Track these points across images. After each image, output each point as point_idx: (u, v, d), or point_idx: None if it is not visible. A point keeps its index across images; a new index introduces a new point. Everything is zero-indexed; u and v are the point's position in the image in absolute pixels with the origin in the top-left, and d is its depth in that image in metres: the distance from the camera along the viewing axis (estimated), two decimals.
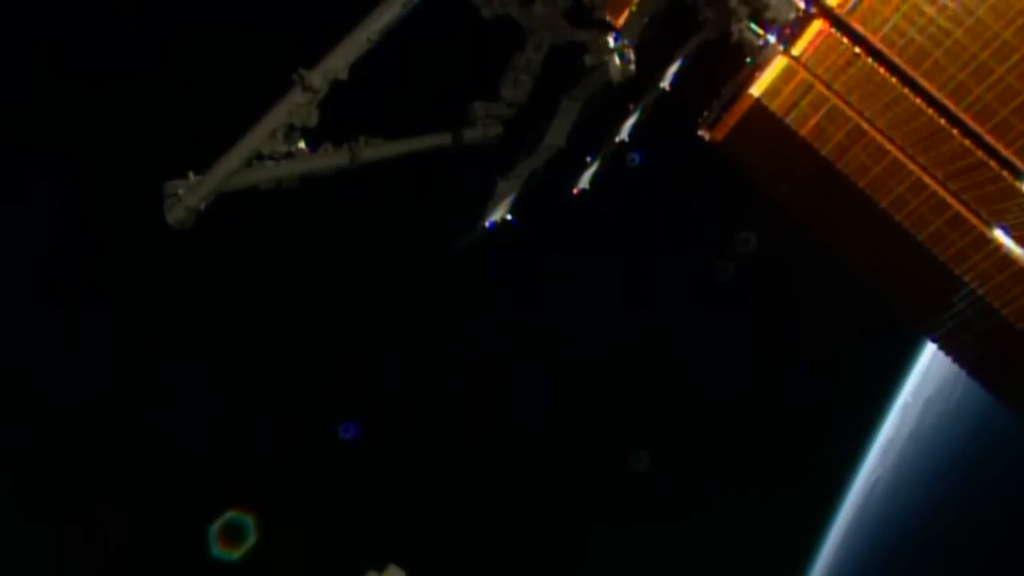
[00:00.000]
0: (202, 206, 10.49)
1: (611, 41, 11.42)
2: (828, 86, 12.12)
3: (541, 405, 30.02)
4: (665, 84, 12.28)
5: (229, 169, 10.49)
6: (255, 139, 10.50)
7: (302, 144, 10.72)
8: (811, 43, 12.12)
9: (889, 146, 11.79)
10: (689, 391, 30.63)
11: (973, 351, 12.17)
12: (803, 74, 12.29)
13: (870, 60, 11.55)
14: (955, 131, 11.12)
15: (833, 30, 11.78)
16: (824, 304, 27.57)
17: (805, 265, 23.16)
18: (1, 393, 22.96)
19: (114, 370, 24.61)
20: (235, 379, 26.10)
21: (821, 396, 31.19)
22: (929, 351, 34.89)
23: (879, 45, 11.43)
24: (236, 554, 25.37)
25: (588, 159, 12.60)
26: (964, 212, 11.50)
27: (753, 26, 11.96)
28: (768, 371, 30.48)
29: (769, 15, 11.69)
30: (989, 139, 10.92)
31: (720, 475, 31.44)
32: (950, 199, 11.57)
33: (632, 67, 11.52)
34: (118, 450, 24.64)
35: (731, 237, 26.81)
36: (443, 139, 11.67)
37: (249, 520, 25.42)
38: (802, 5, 11.69)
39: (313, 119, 10.57)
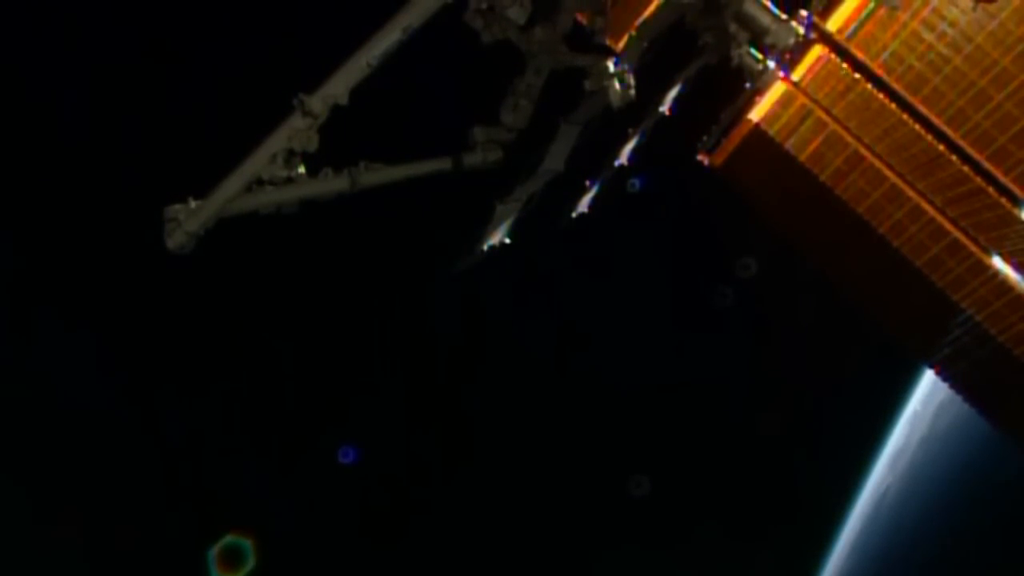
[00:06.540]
0: (202, 231, 10.50)
1: (611, 66, 11.44)
2: (827, 112, 12.13)
3: (539, 428, 29.98)
4: (665, 109, 12.29)
5: (229, 194, 10.50)
6: (255, 164, 10.51)
7: (302, 169, 10.73)
8: (811, 68, 12.13)
9: (888, 172, 11.80)
10: (690, 414, 30.59)
11: (971, 378, 12.15)
12: (802, 99, 12.29)
13: (869, 86, 11.57)
14: (954, 158, 11.14)
15: (833, 56, 11.81)
16: (825, 326, 27.57)
17: (806, 289, 23.17)
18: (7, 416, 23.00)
19: (111, 394, 24.60)
20: (234, 403, 26.09)
21: (824, 413, 31.14)
22: None
23: (878, 71, 11.46)
24: None
25: (587, 183, 12.60)
26: (962, 239, 11.51)
27: (753, 51, 11.99)
28: (769, 390, 30.45)
29: (769, 40, 11.69)
30: (988, 166, 10.94)
31: (723, 492, 31.36)
32: (948, 226, 11.57)
33: (632, 92, 11.53)
34: (117, 468, 24.61)
35: (731, 262, 26.83)
36: (443, 164, 11.68)
37: (248, 544, 25.36)
38: (802, 31, 11.71)
39: (313, 144, 10.58)
